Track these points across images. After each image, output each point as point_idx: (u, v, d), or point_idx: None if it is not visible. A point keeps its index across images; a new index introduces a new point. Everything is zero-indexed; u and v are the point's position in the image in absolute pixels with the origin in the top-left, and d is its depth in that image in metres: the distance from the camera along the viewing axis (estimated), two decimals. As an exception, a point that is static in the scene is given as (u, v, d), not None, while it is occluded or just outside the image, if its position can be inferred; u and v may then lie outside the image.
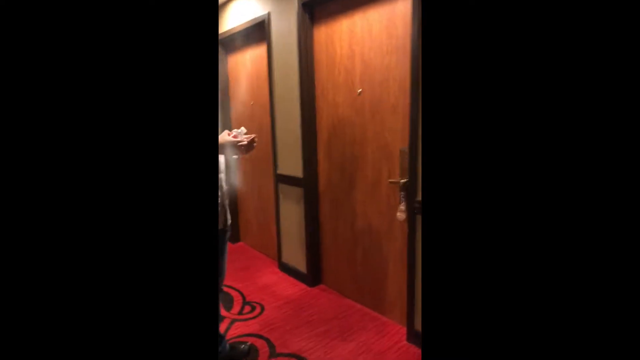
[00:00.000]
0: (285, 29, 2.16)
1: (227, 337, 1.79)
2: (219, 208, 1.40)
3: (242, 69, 2.79)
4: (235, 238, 3.14)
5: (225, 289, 2.32)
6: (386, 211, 1.86)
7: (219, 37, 2.81)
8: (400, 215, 1.73)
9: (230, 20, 2.66)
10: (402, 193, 1.72)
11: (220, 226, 1.41)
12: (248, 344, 1.72)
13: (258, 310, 2.06)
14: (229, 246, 1.52)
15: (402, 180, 1.71)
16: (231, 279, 2.42)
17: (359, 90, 1.87)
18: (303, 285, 2.34)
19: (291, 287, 2.32)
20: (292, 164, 2.31)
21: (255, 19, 2.38)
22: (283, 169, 2.40)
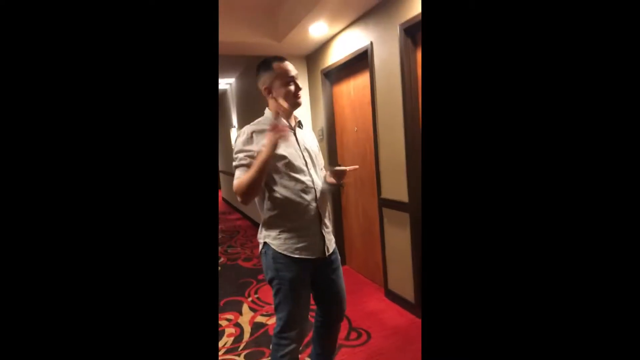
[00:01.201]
0: (387, 55, 2.20)
1: (335, 362, 1.80)
2: (328, 232, 1.42)
3: (346, 98, 2.91)
4: (341, 261, 3.19)
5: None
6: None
7: (325, 70, 2.99)
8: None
9: (334, 54, 2.82)
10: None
11: (329, 251, 1.42)
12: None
13: (364, 337, 2.03)
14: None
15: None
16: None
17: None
18: (411, 316, 2.23)
19: (399, 317, 2.24)
20: (396, 188, 2.28)
21: (357, 50, 2.48)
22: (387, 193, 2.38)
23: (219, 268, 3.45)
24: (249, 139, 1.27)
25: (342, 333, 2.09)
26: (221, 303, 2.62)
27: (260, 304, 2.56)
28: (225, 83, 5.55)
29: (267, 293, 2.74)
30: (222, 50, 2.97)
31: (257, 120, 1.35)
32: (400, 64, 2.07)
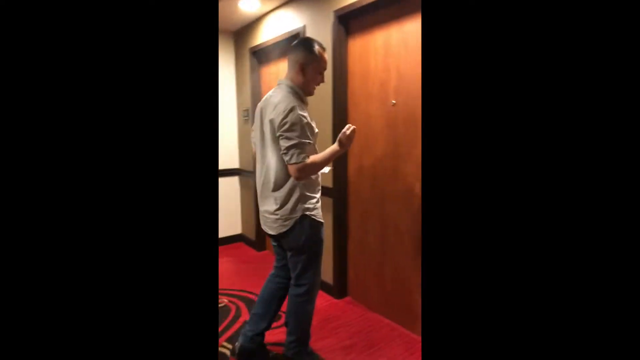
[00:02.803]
0: (320, 40, 2.19)
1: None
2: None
3: (274, 80, 2.84)
4: (260, 246, 3.16)
5: (250, 295, 2.33)
6: (419, 227, 1.82)
7: (254, 49, 2.88)
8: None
9: (265, 33, 2.73)
10: (435, 207, 1.68)
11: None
12: (273, 353, 1.71)
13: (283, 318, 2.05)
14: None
15: (436, 194, 1.67)
16: (255, 286, 2.42)
17: (392, 102, 1.87)
18: (329, 297, 2.32)
19: (318, 299, 2.30)
20: (322, 174, 2.31)
21: (290, 31, 2.43)
22: (312, 179, 2.41)
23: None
24: (303, 114, 1.36)
25: (262, 316, 2.08)
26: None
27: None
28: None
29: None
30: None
31: (286, 94, 1.41)
32: (332, 50, 2.09)
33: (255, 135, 1.56)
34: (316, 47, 1.44)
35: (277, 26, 2.59)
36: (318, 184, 1.53)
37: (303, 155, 1.33)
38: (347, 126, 1.39)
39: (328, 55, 2.12)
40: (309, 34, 2.28)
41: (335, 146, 1.40)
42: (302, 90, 1.45)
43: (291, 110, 1.32)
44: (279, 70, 2.77)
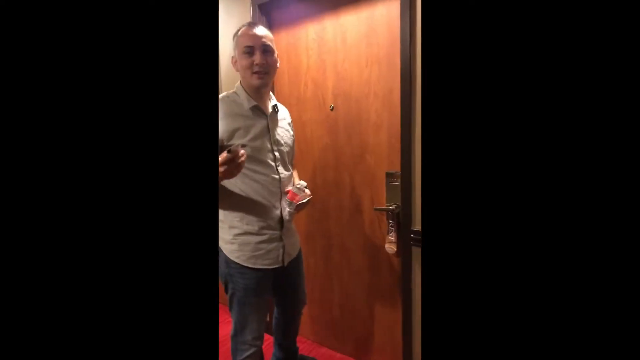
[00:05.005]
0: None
1: None
2: (290, 236, 1.30)
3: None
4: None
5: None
6: (370, 243, 1.62)
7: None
8: (390, 247, 1.51)
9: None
10: (390, 222, 1.50)
11: (288, 259, 1.29)
12: None
13: None
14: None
15: (391, 207, 1.49)
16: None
17: (330, 106, 1.64)
18: (267, 335, 1.98)
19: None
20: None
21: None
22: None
23: None
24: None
25: None
26: None
27: None
28: None
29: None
30: None
31: (225, 94, 1.18)
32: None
33: None
34: (240, 27, 1.20)
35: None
36: (262, 219, 1.17)
37: None
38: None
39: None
40: (222, 25, 1.90)
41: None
42: (243, 87, 1.19)
43: None
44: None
